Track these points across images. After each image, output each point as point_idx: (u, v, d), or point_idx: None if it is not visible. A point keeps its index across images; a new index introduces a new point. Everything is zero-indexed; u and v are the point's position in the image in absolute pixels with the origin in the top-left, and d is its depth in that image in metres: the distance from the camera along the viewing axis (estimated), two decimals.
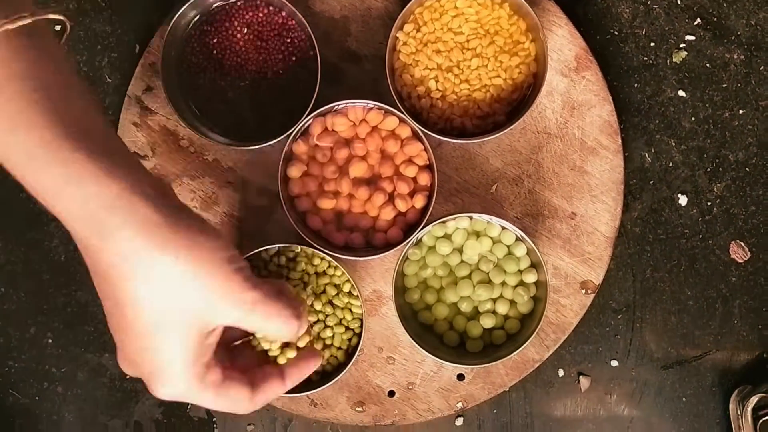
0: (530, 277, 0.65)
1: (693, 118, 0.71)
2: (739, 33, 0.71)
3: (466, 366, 0.65)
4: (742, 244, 0.71)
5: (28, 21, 0.41)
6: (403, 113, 0.64)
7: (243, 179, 0.68)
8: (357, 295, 0.64)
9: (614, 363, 0.70)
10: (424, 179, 0.65)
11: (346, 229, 0.66)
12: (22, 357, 0.70)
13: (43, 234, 0.69)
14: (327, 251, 0.63)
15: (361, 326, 0.65)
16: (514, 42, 0.66)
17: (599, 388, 0.70)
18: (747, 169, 0.71)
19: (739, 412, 0.68)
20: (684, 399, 0.71)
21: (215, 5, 0.66)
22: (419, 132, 0.64)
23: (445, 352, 0.65)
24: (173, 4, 0.66)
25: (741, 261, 0.71)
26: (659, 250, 0.71)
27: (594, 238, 0.68)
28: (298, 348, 0.56)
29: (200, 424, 0.70)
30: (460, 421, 0.70)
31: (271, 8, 0.66)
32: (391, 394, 0.68)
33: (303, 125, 0.64)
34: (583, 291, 0.68)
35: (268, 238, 0.68)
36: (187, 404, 0.70)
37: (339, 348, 0.65)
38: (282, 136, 0.64)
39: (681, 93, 0.71)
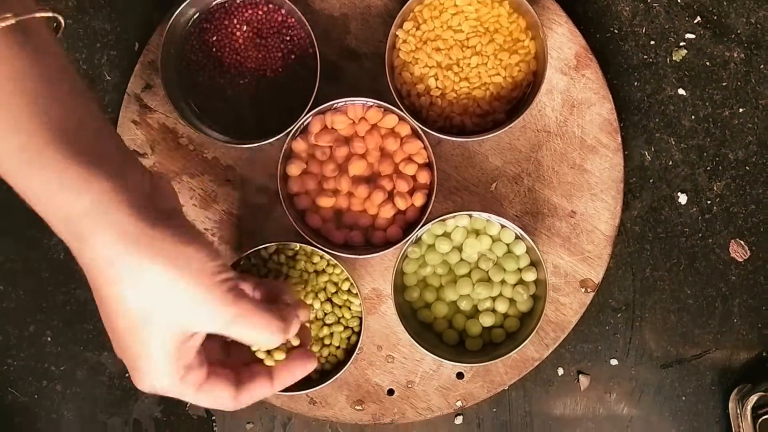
0: (530, 276, 0.65)
1: (693, 117, 0.71)
2: (739, 31, 0.71)
3: (466, 364, 0.65)
4: (742, 242, 0.71)
5: (12, 22, 0.41)
6: (402, 111, 0.64)
7: (242, 177, 0.68)
8: (356, 294, 0.64)
9: (614, 362, 0.70)
10: (423, 177, 0.65)
11: (346, 227, 0.66)
12: (21, 355, 0.70)
13: (43, 232, 0.69)
14: (326, 249, 0.63)
15: (361, 324, 0.65)
16: (514, 40, 0.66)
17: (599, 387, 0.70)
18: (747, 167, 0.71)
19: (738, 411, 0.68)
20: (683, 398, 0.71)
21: (214, 3, 0.66)
22: (419, 130, 0.64)
23: (445, 350, 0.65)
24: (173, 2, 0.65)
25: (741, 259, 0.71)
26: (659, 249, 0.71)
27: (593, 236, 0.68)
28: (295, 346, 0.55)
29: (199, 422, 0.70)
30: (459, 420, 0.70)
31: (270, 6, 0.66)
32: (391, 392, 0.68)
33: (302, 123, 0.64)
34: (583, 289, 0.68)
35: (268, 236, 0.67)
36: (186, 403, 0.70)
37: (338, 346, 0.65)
38: (281, 134, 0.64)
39: (681, 91, 0.71)
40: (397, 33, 0.66)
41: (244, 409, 0.69)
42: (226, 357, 0.52)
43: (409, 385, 0.68)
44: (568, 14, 0.68)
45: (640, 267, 0.71)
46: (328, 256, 0.64)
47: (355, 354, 0.64)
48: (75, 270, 0.69)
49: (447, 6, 0.66)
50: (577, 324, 0.68)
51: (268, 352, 0.53)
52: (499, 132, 0.65)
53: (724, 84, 0.71)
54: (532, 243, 0.64)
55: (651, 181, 0.71)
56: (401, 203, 0.64)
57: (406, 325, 0.63)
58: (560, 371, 0.70)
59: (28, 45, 0.42)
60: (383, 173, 0.65)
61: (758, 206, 0.71)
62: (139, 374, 0.46)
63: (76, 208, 0.42)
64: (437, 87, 0.66)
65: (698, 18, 0.71)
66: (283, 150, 0.64)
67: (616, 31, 0.71)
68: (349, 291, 0.65)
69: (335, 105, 0.65)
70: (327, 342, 0.65)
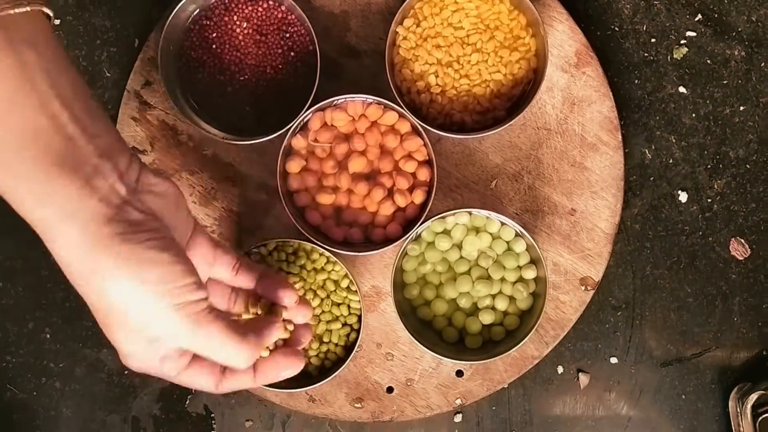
0: (529, 274, 0.65)
1: (693, 115, 0.71)
2: (740, 29, 0.71)
3: (465, 362, 0.65)
4: (743, 241, 0.71)
5: None
6: (402, 108, 0.64)
7: (242, 174, 0.68)
8: (356, 291, 0.64)
9: (613, 360, 0.70)
10: (423, 175, 0.65)
11: (345, 224, 0.66)
12: (20, 352, 0.70)
13: None
14: (326, 246, 0.63)
15: (360, 322, 0.65)
16: (515, 37, 0.66)
17: (598, 386, 0.70)
18: (747, 165, 0.71)
19: (738, 410, 0.68)
20: (683, 396, 0.70)
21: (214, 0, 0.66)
22: (419, 127, 0.64)
23: (444, 348, 0.65)
24: None
25: (741, 258, 0.71)
26: (659, 247, 0.71)
27: (594, 234, 0.68)
28: (285, 341, 0.56)
29: (198, 419, 0.70)
30: (458, 418, 0.70)
31: (270, 3, 0.66)
32: (390, 390, 0.68)
33: (302, 120, 0.64)
34: (583, 288, 0.68)
35: (267, 233, 0.67)
36: (185, 400, 0.70)
37: (337, 344, 0.65)
38: (281, 131, 0.64)
39: (681, 89, 0.71)
40: (397, 30, 0.66)
41: (243, 407, 0.69)
42: None
43: (409, 383, 0.68)
44: (568, 11, 0.68)
45: (640, 265, 0.70)
46: (327, 254, 0.64)
47: (354, 351, 0.64)
48: None
49: (447, 3, 0.66)
50: (576, 322, 0.68)
51: None
52: (500, 129, 0.64)
53: (724, 82, 0.71)
54: (532, 241, 0.64)
55: (651, 179, 0.71)
56: (401, 200, 0.64)
57: (406, 323, 0.63)
58: (560, 369, 0.70)
59: (12, 39, 0.41)
60: (383, 170, 0.65)
61: (759, 204, 0.71)
62: (121, 355, 0.47)
63: (41, 214, 0.42)
64: (437, 84, 0.66)
65: (699, 16, 0.71)
66: (282, 147, 0.64)
67: (616, 29, 0.71)
68: (348, 288, 0.65)
69: (335, 102, 0.64)
70: (326, 339, 0.65)
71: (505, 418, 0.70)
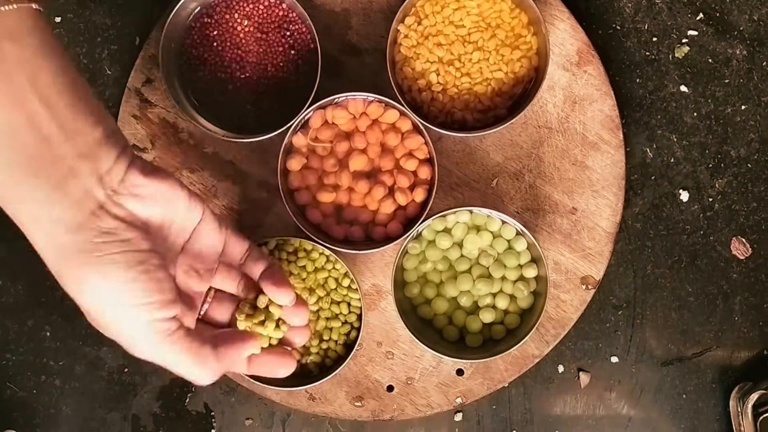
0: (530, 272, 0.64)
1: (695, 114, 0.71)
2: (741, 28, 0.71)
3: (466, 361, 0.65)
4: (744, 240, 0.71)
5: None
6: (403, 106, 0.63)
7: (242, 172, 0.68)
8: (356, 289, 0.64)
9: (614, 359, 0.70)
10: (424, 173, 0.65)
11: (346, 222, 0.65)
12: (19, 350, 0.70)
13: None
14: (326, 245, 0.63)
15: (360, 320, 0.65)
16: (516, 35, 0.66)
17: (599, 385, 0.70)
18: (749, 165, 0.71)
19: (739, 409, 0.68)
20: (684, 396, 0.70)
21: None
22: (420, 125, 0.64)
23: (445, 346, 0.64)
24: None
25: (742, 257, 0.71)
26: (660, 246, 0.70)
27: (595, 233, 0.68)
28: (280, 340, 0.56)
29: (198, 417, 0.70)
30: (459, 417, 0.70)
31: (271, 0, 0.66)
32: (390, 388, 0.68)
33: (303, 118, 0.64)
34: (584, 286, 0.68)
35: (268, 232, 0.67)
36: (186, 398, 0.70)
37: (337, 342, 0.65)
38: (282, 129, 0.64)
39: (683, 88, 0.71)
40: (398, 28, 0.66)
41: (243, 406, 0.69)
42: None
43: (409, 382, 0.68)
44: (570, 10, 0.68)
45: (641, 264, 0.70)
46: (328, 252, 0.64)
47: (354, 350, 0.64)
48: None
49: (449, 1, 0.65)
50: (577, 321, 0.68)
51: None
52: (501, 128, 0.64)
53: (726, 81, 0.71)
54: (533, 239, 0.63)
55: (652, 178, 0.71)
56: (402, 199, 0.64)
57: (406, 321, 0.63)
58: (560, 368, 0.70)
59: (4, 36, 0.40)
60: (384, 168, 0.65)
61: (760, 204, 0.71)
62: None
63: (13, 213, 0.42)
64: (438, 82, 0.65)
65: (701, 15, 0.71)
66: (283, 145, 0.64)
67: (618, 28, 0.71)
68: (349, 287, 0.65)
69: (336, 100, 0.64)
70: (326, 337, 0.65)
71: (505, 417, 0.70)
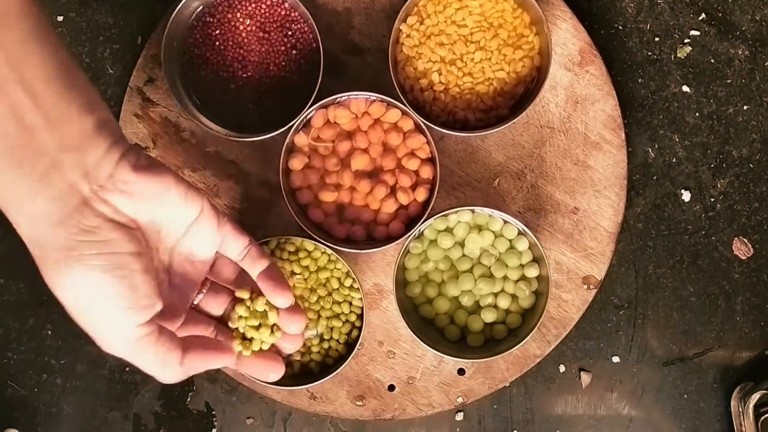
0: (532, 272, 0.64)
1: (697, 114, 0.71)
2: (743, 29, 0.71)
3: (467, 360, 0.65)
4: (745, 240, 0.71)
5: None
6: (405, 106, 0.63)
7: (244, 171, 0.68)
8: (358, 289, 0.64)
9: (615, 359, 0.70)
10: (426, 172, 0.65)
11: (348, 221, 0.65)
12: (21, 348, 0.70)
13: None
14: (328, 244, 0.63)
15: (362, 320, 0.65)
16: (518, 35, 0.66)
17: (600, 385, 0.70)
18: (750, 165, 0.71)
19: (740, 410, 0.68)
20: (685, 396, 0.70)
21: None
22: (422, 125, 0.64)
23: (446, 346, 0.64)
24: None
25: (744, 257, 0.71)
26: (662, 246, 0.70)
27: (596, 233, 0.68)
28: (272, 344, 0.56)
29: (199, 416, 0.70)
30: (460, 416, 0.70)
31: (273, 0, 0.66)
32: (391, 388, 0.68)
33: (305, 117, 0.64)
34: (585, 286, 0.68)
35: (269, 231, 0.67)
36: (187, 397, 0.70)
37: (339, 341, 0.65)
38: (284, 128, 0.64)
39: (685, 88, 0.71)
40: (400, 28, 0.66)
41: (244, 405, 0.69)
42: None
43: (410, 381, 0.68)
44: (572, 10, 0.68)
45: (642, 264, 0.70)
46: (329, 251, 0.64)
47: (356, 349, 0.64)
48: None
49: (451, 1, 0.65)
50: (579, 321, 0.68)
51: (244, 338, 0.54)
52: (503, 127, 0.64)
53: (728, 81, 0.71)
54: (534, 239, 0.63)
55: (654, 178, 0.71)
56: (404, 198, 0.64)
57: (408, 321, 0.63)
58: (562, 368, 0.70)
59: None
60: (386, 168, 0.65)
61: (762, 204, 0.71)
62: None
63: (1, 203, 0.41)
64: (441, 82, 0.65)
65: (703, 15, 0.71)
66: (285, 144, 0.64)
67: (620, 28, 0.71)
68: (350, 286, 0.65)
69: (338, 99, 0.64)
70: (327, 337, 0.65)
71: (506, 416, 0.70)
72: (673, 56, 0.71)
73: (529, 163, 0.68)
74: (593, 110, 0.68)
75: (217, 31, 0.66)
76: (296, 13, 0.66)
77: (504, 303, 0.65)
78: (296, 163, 0.65)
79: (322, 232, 0.65)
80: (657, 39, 0.71)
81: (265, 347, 0.55)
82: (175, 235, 0.48)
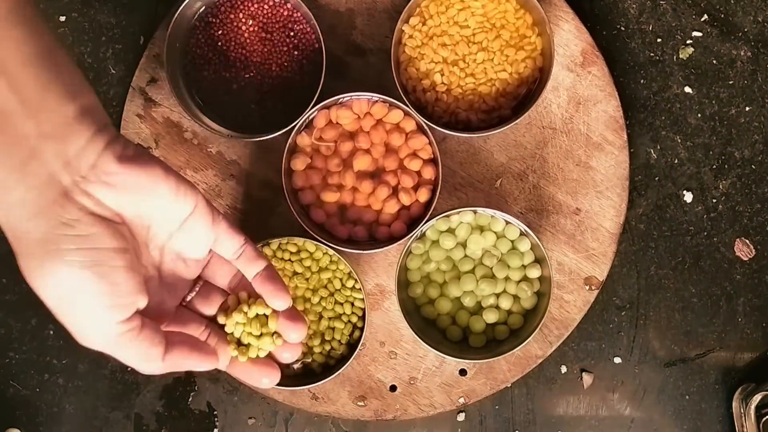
0: (534, 273, 0.64)
1: (699, 115, 0.71)
2: (746, 30, 0.71)
3: (469, 361, 0.65)
4: (747, 241, 0.71)
5: None
6: (408, 106, 0.63)
7: (246, 172, 0.68)
8: (360, 289, 0.64)
9: (617, 360, 0.70)
10: (428, 173, 0.65)
11: (350, 222, 0.66)
12: (23, 348, 0.70)
13: None
14: (330, 244, 0.63)
15: (364, 320, 0.65)
16: (521, 36, 0.66)
17: (602, 385, 0.70)
18: (753, 166, 0.71)
19: (742, 411, 0.68)
20: (687, 397, 0.70)
21: None
22: (424, 125, 0.64)
23: (448, 347, 0.65)
24: None
25: (746, 258, 0.71)
26: (664, 247, 0.70)
27: (598, 234, 0.68)
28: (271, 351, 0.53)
29: (201, 416, 0.70)
30: (461, 417, 0.70)
31: (276, 0, 0.66)
32: (393, 388, 0.68)
33: (307, 118, 0.64)
34: (587, 287, 0.68)
35: (272, 231, 0.67)
36: (189, 397, 0.70)
37: (341, 342, 0.65)
38: (286, 129, 0.64)
39: (687, 89, 0.71)
40: (403, 28, 0.66)
41: (246, 405, 0.69)
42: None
43: (412, 382, 0.68)
44: (574, 11, 0.68)
45: (644, 265, 0.70)
46: (331, 252, 0.64)
47: (357, 350, 0.64)
48: None
49: (453, 1, 0.65)
50: (580, 322, 0.68)
51: (239, 343, 0.52)
52: (505, 128, 0.64)
53: (730, 82, 0.71)
54: (536, 240, 0.63)
55: (656, 179, 0.71)
56: (406, 199, 0.64)
57: (410, 321, 0.63)
58: (563, 369, 0.70)
59: None
60: (388, 168, 0.65)
61: (764, 205, 0.71)
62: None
63: None
64: (443, 83, 0.66)
65: (705, 16, 0.71)
66: (287, 145, 0.64)
67: (622, 29, 0.71)
68: (352, 287, 0.65)
69: (340, 100, 0.64)
70: (329, 337, 0.65)
71: (508, 417, 0.70)
72: (675, 57, 0.71)
73: (531, 163, 0.68)
74: (595, 111, 0.68)
75: (220, 32, 0.66)
76: (299, 14, 0.66)
77: (506, 304, 0.65)
78: (298, 163, 0.65)
79: (324, 233, 0.65)
80: (659, 40, 0.71)
81: (263, 354, 0.52)
82: (166, 231, 0.46)
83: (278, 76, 0.66)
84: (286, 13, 0.66)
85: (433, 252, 0.65)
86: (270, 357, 0.53)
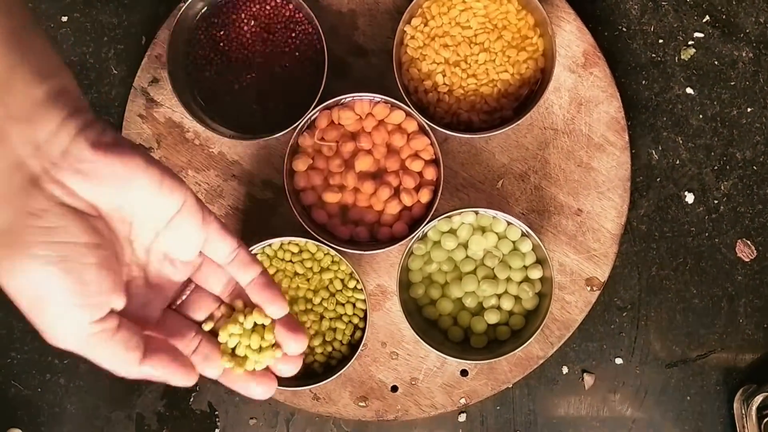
0: (535, 273, 0.64)
1: (701, 116, 0.71)
2: (747, 31, 0.71)
3: (470, 362, 0.65)
4: (749, 242, 0.71)
5: None
6: (409, 107, 0.64)
7: (248, 172, 0.68)
8: (361, 290, 0.64)
9: (618, 361, 0.70)
10: (430, 174, 0.65)
11: (351, 222, 0.66)
12: (24, 348, 0.70)
13: None
14: (332, 245, 0.63)
15: (365, 321, 0.65)
16: (522, 37, 0.66)
17: (603, 386, 0.70)
18: (754, 167, 0.71)
19: (743, 412, 0.68)
20: (688, 398, 0.70)
21: None
22: (426, 126, 0.64)
23: (449, 347, 0.65)
24: None
25: (747, 259, 0.71)
26: (665, 248, 0.70)
27: (600, 235, 0.68)
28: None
29: (202, 416, 0.70)
30: (463, 417, 0.70)
31: (278, 1, 0.66)
32: (394, 389, 0.68)
33: (309, 118, 0.64)
34: (588, 288, 0.68)
35: (273, 232, 0.67)
36: (190, 397, 0.70)
37: (342, 342, 0.65)
38: (288, 129, 0.64)
39: (689, 90, 0.71)
40: (405, 29, 0.66)
41: (247, 405, 0.69)
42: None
43: (413, 382, 0.68)
44: (576, 12, 0.68)
45: (646, 266, 0.70)
46: (333, 252, 0.64)
47: (359, 350, 0.64)
48: None
49: (455, 2, 0.65)
50: (582, 322, 0.68)
51: (233, 352, 0.47)
52: (506, 129, 0.64)
53: (732, 83, 0.71)
54: (538, 240, 0.63)
55: (658, 179, 0.71)
56: (407, 199, 0.64)
57: (411, 322, 0.63)
58: (565, 370, 0.70)
59: None
60: (389, 169, 0.65)
61: (765, 206, 0.71)
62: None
63: None
64: (445, 83, 0.66)
65: (707, 17, 0.71)
66: (289, 145, 0.64)
67: (624, 30, 0.71)
68: (354, 287, 0.65)
69: (342, 100, 0.64)
70: (331, 338, 0.65)
71: (509, 418, 0.70)
72: (677, 58, 0.71)
73: (532, 164, 0.68)
74: (597, 112, 0.68)
75: (222, 32, 0.66)
76: (300, 15, 0.66)
77: (507, 304, 0.65)
78: (300, 164, 0.65)
79: (325, 233, 0.65)
80: (661, 41, 0.71)
81: (260, 367, 0.47)
82: (151, 229, 0.43)
83: (280, 76, 0.66)
84: (288, 13, 0.66)
85: (434, 253, 0.65)
86: (266, 367, 0.49)
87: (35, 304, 0.38)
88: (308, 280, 0.64)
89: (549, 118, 0.68)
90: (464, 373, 0.68)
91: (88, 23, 0.71)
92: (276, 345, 0.48)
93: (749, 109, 0.71)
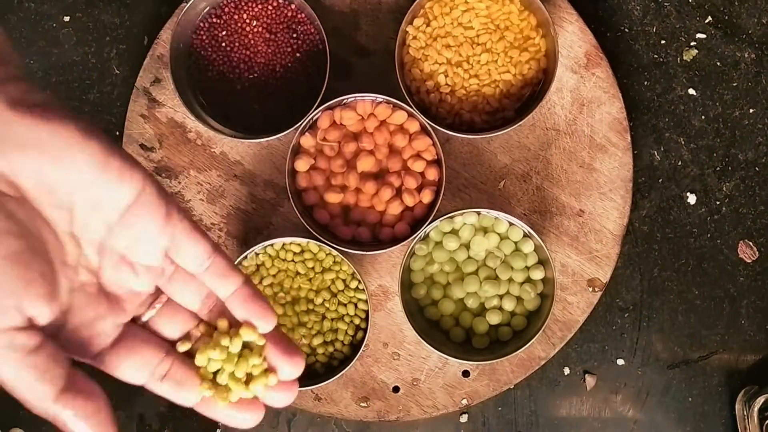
0: (537, 274, 0.64)
1: (703, 117, 0.71)
2: (750, 32, 0.71)
3: (472, 362, 0.65)
4: (751, 243, 0.71)
5: None
6: (411, 108, 0.63)
7: (250, 172, 0.68)
8: (363, 290, 0.64)
9: (620, 362, 0.70)
10: (432, 174, 0.65)
11: (353, 223, 0.66)
12: None
13: None
14: (333, 245, 0.63)
15: (367, 321, 0.65)
16: (525, 37, 0.66)
17: (605, 387, 0.70)
18: (756, 168, 0.71)
19: (745, 413, 0.68)
20: (690, 399, 0.70)
21: None
22: (428, 127, 0.64)
23: (451, 348, 0.64)
24: None
25: (749, 261, 0.71)
26: (667, 249, 0.70)
27: (602, 235, 0.68)
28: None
29: (204, 416, 0.70)
30: (464, 418, 0.70)
31: (280, 1, 0.66)
32: (396, 389, 0.68)
33: (311, 119, 0.64)
34: (590, 289, 0.68)
35: (275, 232, 0.67)
36: None
37: (344, 343, 0.65)
38: (290, 129, 0.64)
39: (691, 91, 0.71)
40: (407, 29, 0.66)
41: None
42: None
43: (415, 383, 0.68)
44: (579, 12, 0.68)
45: (648, 267, 0.70)
46: (335, 252, 0.64)
47: (360, 351, 0.64)
48: None
49: (457, 3, 0.65)
50: (584, 323, 0.68)
51: (214, 378, 0.40)
52: (509, 130, 0.64)
53: (734, 84, 0.71)
54: (540, 241, 0.63)
55: (660, 180, 0.71)
56: (409, 200, 0.64)
57: (413, 323, 0.63)
58: (566, 371, 0.70)
59: None
60: (392, 169, 0.65)
61: (767, 207, 0.71)
62: None
63: None
64: (447, 84, 0.66)
65: (709, 18, 0.71)
66: (291, 145, 0.64)
67: (626, 30, 0.71)
68: (356, 288, 0.65)
69: (344, 101, 0.64)
70: (332, 338, 0.65)
71: (511, 418, 0.70)
72: (679, 59, 0.71)
73: (534, 165, 0.68)
74: (599, 113, 0.68)
75: (224, 33, 0.66)
76: (303, 15, 0.66)
77: (509, 305, 0.65)
78: (302, 164, 0.65)
79: (327, 234, 0.65)
80: (663, 42, 0.71)
81: (248, 396, 0.39)
82: (101, 221, 0.34)
83: (282, 76, 0.66)
84: (290, 14, 0.66)
85: (436, 253, 0.65)
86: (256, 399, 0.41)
87: None
88: (310, 280, 0.64)
89: (551, 119, 0.68)
90: (466, 373, 0.68)
91: (90, 23, 0.71)
92: (268, 369, 0.40)
93: (751, 110, 0.71)
